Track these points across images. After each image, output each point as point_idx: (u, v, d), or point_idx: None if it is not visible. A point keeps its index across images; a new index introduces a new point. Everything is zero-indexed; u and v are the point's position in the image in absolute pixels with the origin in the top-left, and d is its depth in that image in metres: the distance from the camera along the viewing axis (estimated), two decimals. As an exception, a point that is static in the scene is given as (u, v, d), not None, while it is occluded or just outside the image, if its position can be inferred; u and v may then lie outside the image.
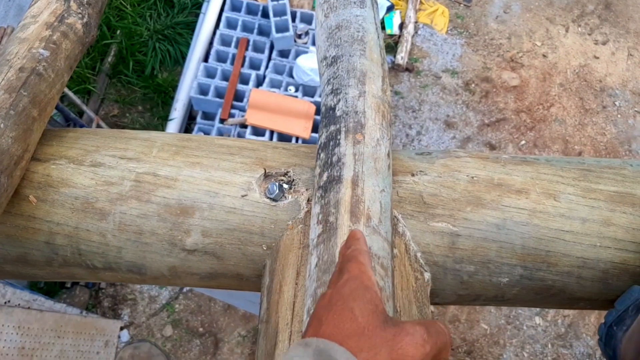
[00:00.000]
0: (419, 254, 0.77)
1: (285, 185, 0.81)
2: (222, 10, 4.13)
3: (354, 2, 0.89)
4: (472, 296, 0.81)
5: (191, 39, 4.24)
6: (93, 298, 3.74)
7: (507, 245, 0.77)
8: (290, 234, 0.77)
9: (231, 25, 3.90)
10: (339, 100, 0.77)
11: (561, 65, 4.06)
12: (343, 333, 0.45)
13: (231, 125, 3.63)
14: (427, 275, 0.77)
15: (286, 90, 3.72)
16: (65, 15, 0.89)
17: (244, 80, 3.74)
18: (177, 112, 3.98)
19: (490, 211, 0.78)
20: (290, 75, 3.74)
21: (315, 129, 3.57)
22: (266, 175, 0.82)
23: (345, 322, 0.46)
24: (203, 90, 3.72)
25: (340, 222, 0.65)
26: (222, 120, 3.66)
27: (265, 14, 3.88)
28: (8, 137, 0.75)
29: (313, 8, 4.14)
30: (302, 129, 3.56)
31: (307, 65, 3.60)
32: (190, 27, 4.26)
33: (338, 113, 0.76)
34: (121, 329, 3.71)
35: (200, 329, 3.74)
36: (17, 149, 0.76)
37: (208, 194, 0.79)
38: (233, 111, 3.72)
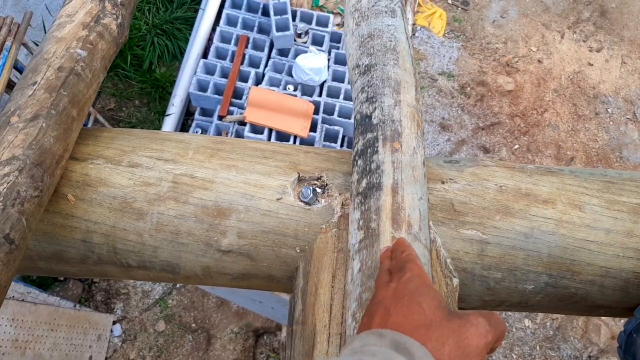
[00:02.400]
0: (448, 260, 0.79)
1: (318, 190, 0.83)
2: (221, 7, 4.13)
3: (385, 12, 0.91)
4: (497, 302, 0.84)
5: (190, 34, 4.23)
6: (86, 292, 3.73)
7: (534, 254, 0.80)
8: (324, 238, 0.79)
9: (231, 22, 3.90)
10: (375, 108, 0.79)
11: (556, 71, 4.12)
12: (413, 324, 0.48)
13: (230, 122, 3.63)
14: (455, 281, 0.80)
15: (285, 89, 3.73)
16: (101, 15, 0.90)
17: (243, 78, 3.74)
18: (175, 107, 3.97)
19: (519, 220, 0.80)
20: (290, 74, 3.76)
21: (313, 128, 3.59)
22: (300, 179, 0.84)
23: (414, 314, 0.49)
24: (202, 87, 3.71)
25: (382, 228, 0.67)
26: (220, 117, 3.66)
27: (265, 12, 3.88)
28: (50, 137, 0.76)
29: (312, 8, 4.15)
30: (300, 127, 3.58)
31: (307, 64, 3.61)
32: (189, 23, 4.25)
33: (375, 121, 0.78)
34: (114, 323, 3.70)
35: (193, 325, 3.74)
36: (59, 148, 0.77)
37: (244, 196, 0.81)
38: (232, 108, 3.72)
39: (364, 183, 0.73)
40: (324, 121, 3.62)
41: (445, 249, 0.80)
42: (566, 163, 3.86)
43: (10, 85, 3.34)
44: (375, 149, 0.75)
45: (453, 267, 0.80)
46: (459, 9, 4.26)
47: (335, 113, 3.59)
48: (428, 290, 0.52)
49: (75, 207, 0.80)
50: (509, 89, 4.07)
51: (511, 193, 0.82)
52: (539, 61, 4.14)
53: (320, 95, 3.67)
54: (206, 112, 3.79)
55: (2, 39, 3.16)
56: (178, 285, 3.80)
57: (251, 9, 3.95)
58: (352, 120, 3.58)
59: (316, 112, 3.60)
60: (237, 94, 3.74)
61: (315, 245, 0.79)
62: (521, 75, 4.10)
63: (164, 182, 0.81)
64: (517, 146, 3.94)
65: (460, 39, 4.18)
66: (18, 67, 3.33)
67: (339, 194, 0.82)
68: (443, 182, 0.83)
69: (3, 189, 0.69)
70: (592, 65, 4.13)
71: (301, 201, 0.82)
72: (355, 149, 0.78)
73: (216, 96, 3.70)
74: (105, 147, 0.85)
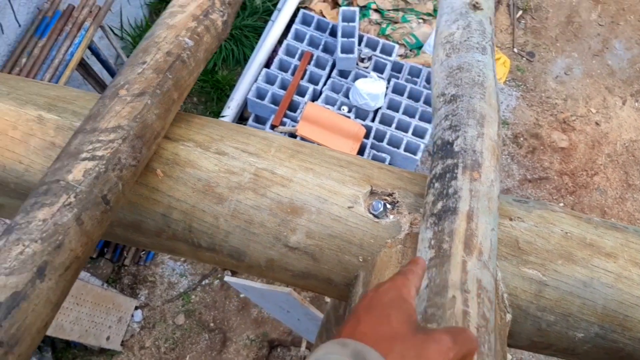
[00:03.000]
0: (505, 295, 0.81)
1: (388, 205, 0.86)
2: (291, 21, 4.24)
3: (477, 48, 0.95)
4: (545, 344, 0.85)
5: (256, 43, 4.35)
6: (115, 273, 3.81)
7: (590, 303, 0.81)
8: (388, 252, 0.82)
9: (299, 37, 4.00)
10: (458, 136, 0.82)
11: (612, 136, 4.07)
12: (378, 335, 0.50)
13: (281, 132, 3.70)
14: (508, 317, 0.81)
15: (339, 109, 3.80)
16: (210, 10, 0.96)
17: (301, 92, 3.82)
18: (230, 110, 4.08)
19: (580, 268, 0.82)
20: (346, 96, 3.82)
21: (361, 151, 3.63)
22: (372, 192, 0.87)
23: (381, 325, 0.51)
24: (260, 95, 3.81)
25: (454, 250, 0.70)
26: (273, 127, 3.74)
27: (333, 33, 3.97)
28: (152, 113, 0.81)
29: (379, 35, 4.22)
30: (349, 149, 3.62)
31: (365, 88, 3.67)
32: (257, 32, 4.37)
33: (456, 149, 0.81)
34: (136, 308, 3.77)
35: (212, 324, 3.78)
36: (158, 125, 0.82)
37: (318, 199, 0.85)
38: (285, 119, 3.80)
39: (439, 205, 0.76)
40: (372, 146, 3.66)
41: (504, 284, 0.81)
42: (609, 229, 3.78)
43: (81, 64, 3.50)
44: (454, 175, 0.78)
45: (509, 302, 0.81)
46: (524, 59, 4.27)
47: (385, 140, 3.62)
48: (401, 304, 0.53)
49: (161, 182, 0.85)
50: (562, 146, 4.05)
51: (576, 241, 0.84)
52: (597, 123, 4.11)
53: (373, 120, 3.72)
54: (260, 120, 3.88)
55: (82, 19, 3.31)
56: (204, 282, 3.85)
57: (320, 27, 4.04)
58: (400, 150, 3.61)
59: (366, 136, 3.65)
60: (293, 107, 3.82)
61: (379, 257, 0.82)
62: (577, 134, 4.06)
63: (246, 173, 0.86)
64: (561, 204, 3.89)
65: (521, 88, 4.19)
66: (92, 48, 3.48)
67: (408, 213, 0.85)
68: (511, 219, 0.85)
69: (107, 154, 0.74)
70: (650, 136, 4.08)
71: (371, 213, 0.85)
72: (433, 172, 0.81)
73: (272, 105, 3.79)
74: (197, 132, 0.90)
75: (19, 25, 3.18)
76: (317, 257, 0.85)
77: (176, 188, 0.85)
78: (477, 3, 1.02)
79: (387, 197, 0.87)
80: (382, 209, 0.84)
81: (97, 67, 3.66)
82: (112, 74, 3.72)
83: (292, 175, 0.86)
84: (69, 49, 3.18)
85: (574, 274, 0.82)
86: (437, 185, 0.79)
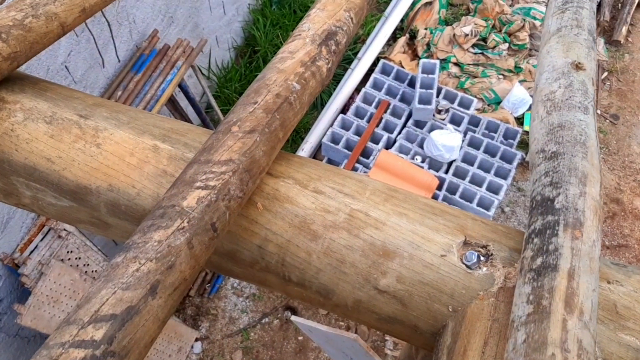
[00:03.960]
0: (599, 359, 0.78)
1: (482, 257, 0.86)
2: (370, 70, 4.34)
3: (579, 107, 0.95)
4: (640, 418, 0.81)
5: (333, 89, 4.47)
6: (180, 302, 3.90)
7: (692, 379, 0.77)
8: (480, 304, 0.82)
9: (377, 86, 4.09)
10: (559, 194, 0.82)
11: (701, 207, 3.85)
12: None
13: (353, 178, 3.74)
14: (603, 383, 0.78)
15: (413, 158, 3.81)
16: (317, 58, 1.02)
17: (375, 140, 3.87)
18: (304, 152, 4.17)
19: (684, 340, 0.78)
20: (421, 146, 3.83)
21: (432, 203, 3.60)
22: (466, 243, 0.87)
23: None
24: (335, 139, 3.89)
25: (554, 308, 0.69)
26: (345, 171, 3.79)
27: (411, 84, 4.03)
28: (260, 150, 0.86)
29: (457, 88, 4.23)
30: (419, 199, 3.61)
31: (440, 140, 3.67)
32: (336, 79, 4.49)
33: (557, 206, 0.80)
34: (196, 340, 3.83)
35: (268, 364, 3.77)
36: (264, 162, 0.87)
37: (411, 244, 0.86)
38: (357, 165, 3.84)
39: (538, 261, 0.75)
40: (444, 199, 3.63)
41: (599, 348, 0.79)
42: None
43: (170, 100, 3.70)
44: (556, 231, 0.77)
45: (604, 368, 0.78)
46: (607, 121, 4.16)
47: (458, 194, 3.59)
48: None
49: (261, 215, 0.89)
50: (644, 213, 3.86)
51: (680, 311, 0.80)
52: (684, 192, 3.90)
53: (446, 172, 3.70)
54: (332, 164, 3.94)
55: (176, 58, 3.53)
56: (263, 321, 3.87)
57: (399, 77, 4.11)
58: (473, 205, 3.55)
59: (439, 188, 3.63)
60: (366, 153, 3.86)
61: (470, 309, 0.82)
62: (661, 202, 3.87)
63: (341, 213, 0.88)
64: (642, 274, 3.68)
65: (603, 151, 4.06)
66: (182, 85, 3.68)
67: (502, 267, 0.84)
68: (609, 282, 0.83)
69: (218, 184, 0.79)
70: None
71: (464, 263, 0.85)
72: (532, 227, 0.81)
73: (346, 150, 3.85)
74: (296, 170, 0.94)
75: (119, 61, 3.42)
76: (406, 302, 0.85)
77: (274, 222, 0.88)
78: (580, 64, 1.02)
79: (481, 249, 0.87)
80: (475, 260, 0.84)
81: (183, 102, 3.86)
82: (198, 110, 3.91)
83: (386, 219, 0.88)
84: (161, 85, 3.39)
85: (677, 346, 0.78)
86: (536, 240, 0.78)
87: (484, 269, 0.84)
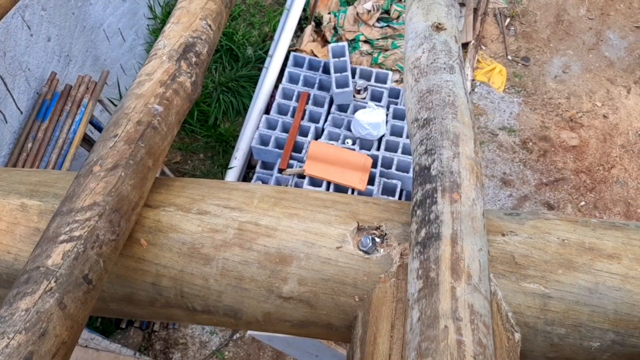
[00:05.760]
0: (510, 314, 0.78)
1: (377, 239, 0.84)
2: (284, 65, 4.31)
3: (444, 68, 0.94)
4: (562, 359, 0.81)
5: (254, 91, 4.42)
6: (146, 340, 3.80)
7: (599, 310, 0.78)
8: (383, 287, 0.80)
9: (293, 80, 4.06)
10: (434, 160, 0.81)
11: (622, 126, 4.01)
12: None
13: (289, 175, 3.71)
14: (517, 336, 0.78)
15: (344, 143, 3.81)
16: (177, 74, 0.98)
17: (304, 133, 3.84)
18: (237, 160, 4.11)
19: (582, 274, 0.79)
20: (348, 129, 3.83)
21: (371, 181, 3.62)
22: (359, 229, 0.86)
23: None
24: (264, 141, 3.84)
25: (441, 278, 0.68)
26: (280, 170, 3.75)
27: (326, 70, 4.01)
28: (127, 185, 0.82)
29: (372, 65, 4.26)
30: (358, 180, 3.61)
31: (365, 119, 3.68)
32: (253, 81, 4.44)
33: (433, 172, 0.79)
34: (171, 372, 3.73)
35: (249, 378, 3.72)
36: (135, 196, 0.83)
37: (305, 244, 0.83)
38: (292, 162, 3.81)
39: (422, 233, 0.74)
40: (382, 175, 3.64)
41: (506, 302, 0.79)
42: (637, 221, 3.69)
43: (85, 139, 3.57)
44: (434, 199, 0.76)
45: (515, 321, 0.78)
46: (520, 64, 4.27)
47: (393, 167, 3.61)
48: None
49: (147, 251, 0.85)
50: (573, 145, 3.99)
51: (574, 247, 0.81)
52: (605, 116, 4.05)
53: (378, 149, 3.72)
54: (267, 165, 3.90)
55: (80, 96, 3.40)
56: (235, 337, 3.82)
57: (312, 67, 4.09)
58: (410, 174, 3.58)
59: (374, 165, 3.64)
60: (297, 148, 3.84)
61: (374, 294, 0.80)
62: (586, 130, 4.01)
63: (230, 229, 0.85)
64: (583, 203, 3.82)
65: (521, 94, 4.16)
66: (93, 122, 3.56)
67: (398, 244, 0.83)
68: (503, 235, 0.83)
69: (84, 232, 0.74)
70: (661, 120, 4.00)
71: (360, 250, 0.83)
72: (414, 199, 0.80)
73: (277, 150, 3.81)
74: (177, 195, 0.90)
75: (21, 112, 3.27)
76: (313, 303, 0.83)
77: (162, 255, 0.84)
78: (440, 24, 1.02)
79: (375, 231, 0.85)
80: (370, 243, 0.83)
81: (101, 140, 3.72)
82: (117, 144, 3.78)
83: (277, 224, 0.86)
84: (71, 127, 3.26)
85: (577, 281, 0.78)
86: (419, 212, 0.77)
87: (381, 250, 0.83)
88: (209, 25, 1.08)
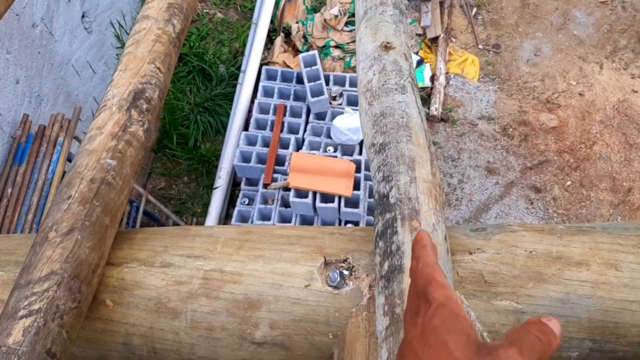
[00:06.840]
0: (485, 334, 0.77)
1: (345, 272, 0.83)
2: (257, 80, 4.29)
3: (395, 89, 0.94)
4: (543, 372, 0.80)
5: (230, 109, 4.40)
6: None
7: (574, 319, 0.77)
8: (355, 322, 0.79)
9: (268, 93, 4.04)
10: (392, 187, 0.80)
11: (599, 102, 4.02)
12: None
13: (274, 189, 3.70)
14: (495, 355, 0.77)
15: (325, 151, 3.80)
16: (128, 124, 0.96)
17: (284, 145, 3.83)
18: (222, 180, 4.09)
19: (553, 286, 0.78)
20: (328, 136, 3.82)
21: (356, 186, 3.61)
22: (326, 263, 0.84)
23: (441, 356, 0.46)
24: (245, 158, 3.82)
25: (406, 313, 0.67)
26: (265, 185, 3.74)
27: (299, 80, 4.00)
28: (85, 248, 0.80)
29: (344, 70, 4.25)
30: (344, 187, 3.60)
31: (344, 125, 3.67)
32: (229, 98, 4.42)
33: (392, 200, 0.78)
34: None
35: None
36: (94, 258, 0.81)
37: (273, 286, 0.82)
38: (275, 175, 3.80)
39: (386, 266, 0.73)
40: (366, 178, 3.64)
41: (480, 323, 0.78)
42: (623, 195, 3.71)
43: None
44: (395, 229, 0.75)
45: (491, 340, 0.78)
46: (491, 52, 4.27)
47: (377, 170, 3.61)
48: (455, 324, 0.48)
49: (114, 311, 0.83)
50: (552, 126, 4.00)
51: (542, 258, 0.80)
52: (580, 94, 4.07)
53: (360, 153, 3.71)
54: (251, 182, 3.88)
55: (55, 136, 3.38)
56: None
57: (285, 78, 4.08)
58: (394, 175, 3.58)
59: (358, 170, 3.63)
60: (280, 161, 3.82)
61: (347, 330, 0.79)
62: (563, 110, 4.02)
63: (195, 280, 0.84)
64: (569, 182, 3.83)
65: (496, 81, 4.17)
66: (71, 160, 3.53)
67: (366, 275, 0.82)
68: (471, 253, 0.82)
69: (43, 305, 0.73)
70: (636, 92, 4.02)
71: (329, 286, 0.82)
72: (376, 229, 0.79)
73: (260, 165, 3.80)
74: (139, 249, 0.89)
75: (-3, 159, 3.23)
76: (288, 345, 0.82)
77: (129, 314, 0.83)
78: (388, 43, 1.01)
79: (342, 264, 0.84)
80: (339, 278, 0.82)
81: (82, 176, 3.69)
82: (98, 178, 3.75)
83: (242, 269, 0.84)
84: (49, 168, 3.23)
85: (548, 293, 0.78)
86: (380, 244, 0.76)
87: (350, 283, 0.82)
88: (158, 69, 1.07)
